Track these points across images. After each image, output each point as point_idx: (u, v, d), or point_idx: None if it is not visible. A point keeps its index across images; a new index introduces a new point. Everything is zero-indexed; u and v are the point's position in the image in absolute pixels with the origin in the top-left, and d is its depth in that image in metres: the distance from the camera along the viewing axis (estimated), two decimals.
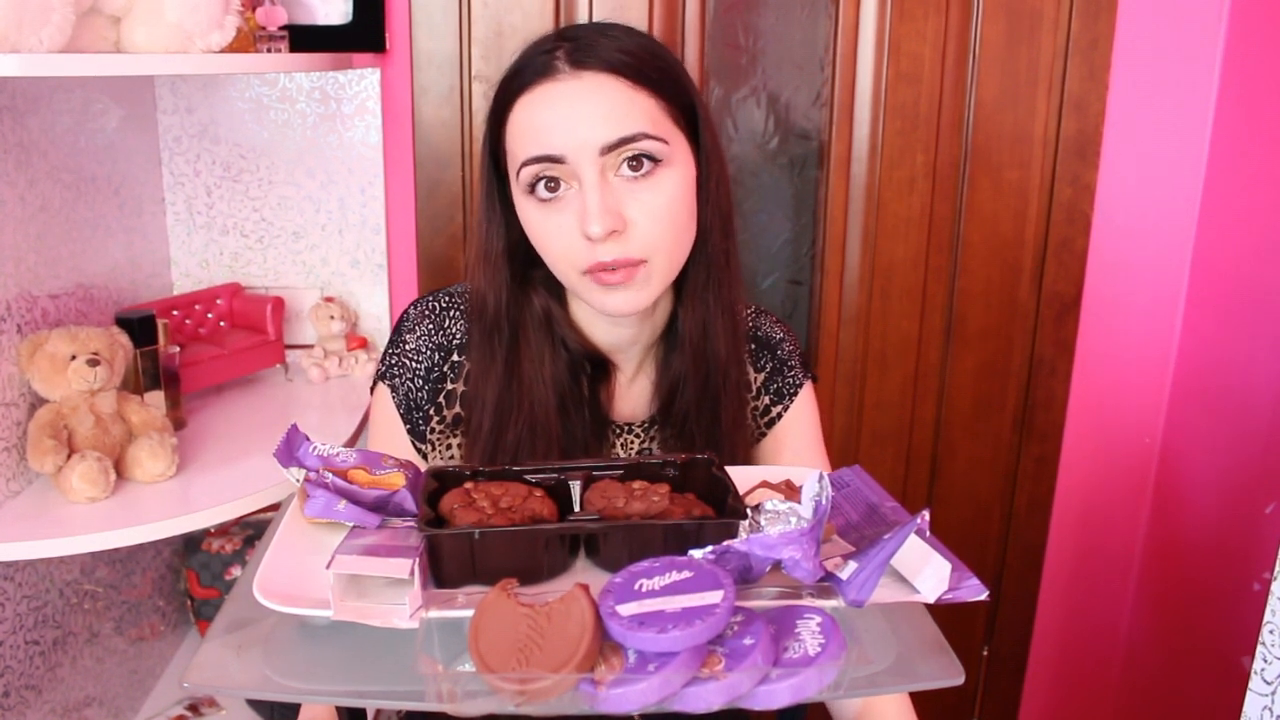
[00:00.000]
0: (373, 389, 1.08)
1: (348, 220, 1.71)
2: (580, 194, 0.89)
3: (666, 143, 0.90)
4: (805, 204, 1.76)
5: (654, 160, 0.89)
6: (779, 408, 1.09)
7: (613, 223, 0.88)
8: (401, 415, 1.03)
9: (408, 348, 1.04)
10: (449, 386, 1.03)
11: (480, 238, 0.99)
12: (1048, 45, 1.64)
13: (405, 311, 1.08)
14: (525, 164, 0.90)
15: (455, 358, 1.03)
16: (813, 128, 1.72)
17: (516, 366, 0.99)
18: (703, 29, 1.66)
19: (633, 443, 1.05)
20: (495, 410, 0.99)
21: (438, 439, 1.04)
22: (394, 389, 1.04)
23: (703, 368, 1.01)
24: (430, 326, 1.04)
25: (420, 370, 1.03)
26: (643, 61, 0.91)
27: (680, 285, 1.00)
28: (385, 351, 1.06)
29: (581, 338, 1.01)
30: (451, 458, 1.04)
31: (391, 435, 1.04)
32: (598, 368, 1.02)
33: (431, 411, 1.03)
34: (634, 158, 0.89)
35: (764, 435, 1.09)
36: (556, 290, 1.00)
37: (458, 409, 1.03)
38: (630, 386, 1.06)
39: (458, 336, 1.03)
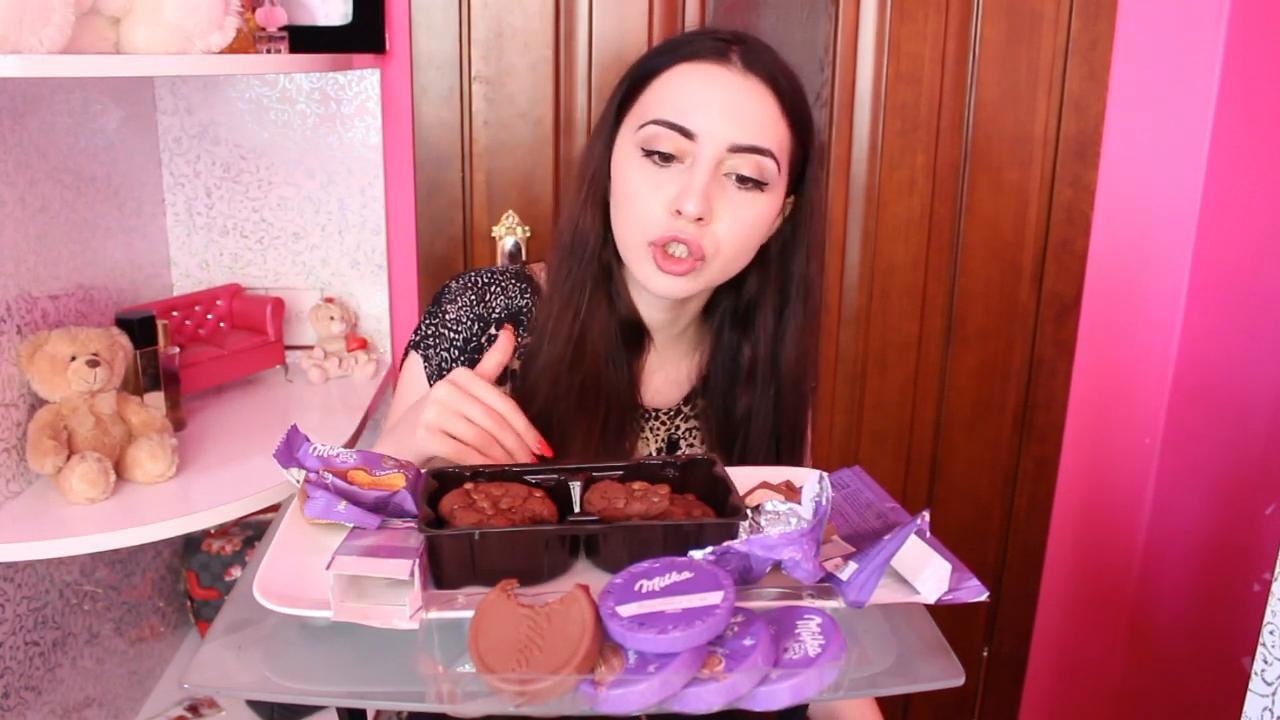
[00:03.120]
0: (404, 358, 1.09)
1: (348, 221, 1.71)
2: (688, 172, 0.93)
3: (779, 171, 0.95)
4: None
5: (762, 182, 0.94)
6: None
7: (704, 209, 0.92)
8: (431, 385, 1.04)
9: (448, 318, 1.05)
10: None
11: (588, 178, 1.02)
12: (1048, 45, 1.64)
13: (446, 284, 1.09)
14: (654, 122, 0.94)
15: (493, 331, 1.05)
16: None
17: (582, 319, 1.02)
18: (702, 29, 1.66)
19: (659, 429, 1.08)
20: (572, 345, 1.01)
21: None
22: (427, 359, 1.05)
23: (786, 402, 1.06)
24: (472, 298, 1.06)
25: (458, 340, 1.04)
26: (797, 98, 0.97)
27: (750, 315, 1.05)
28: (421, 322, 1.08)
29: (630, 303, 1.05)
30: None
31: None
32: (632, 343, 1.05)
33: None
34: (744, 178, 0.94)
35: None
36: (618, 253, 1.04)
37: None
38: (656, 372, 1.08)
39: (497, 311, 1.05)
